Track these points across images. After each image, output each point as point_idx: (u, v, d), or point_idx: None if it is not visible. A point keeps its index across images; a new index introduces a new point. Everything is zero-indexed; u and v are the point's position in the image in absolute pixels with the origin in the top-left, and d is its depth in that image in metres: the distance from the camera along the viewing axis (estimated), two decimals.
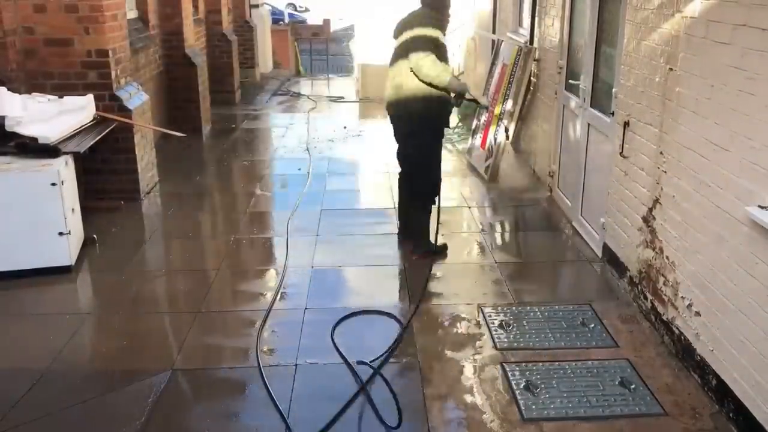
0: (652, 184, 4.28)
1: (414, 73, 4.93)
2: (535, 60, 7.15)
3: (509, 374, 3.77)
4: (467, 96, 5.22)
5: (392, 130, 5.38)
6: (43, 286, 4.86)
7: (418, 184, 5.33)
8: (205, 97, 9.78)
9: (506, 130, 7.38)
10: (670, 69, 4.02)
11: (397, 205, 5.83)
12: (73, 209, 5.18)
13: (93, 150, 5.74)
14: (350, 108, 11.89)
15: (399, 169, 5.52)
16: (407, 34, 5.06)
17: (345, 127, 10.16)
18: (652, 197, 4.28)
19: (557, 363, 3.88)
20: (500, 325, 4.28)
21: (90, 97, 6.05)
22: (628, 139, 4.64)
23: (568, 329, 4.24)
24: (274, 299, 4.66)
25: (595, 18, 5.48)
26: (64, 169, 5.06)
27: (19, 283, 4.84)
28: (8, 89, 5.52)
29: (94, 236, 5.57)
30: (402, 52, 5.06)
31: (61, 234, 4.93)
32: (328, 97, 12.83)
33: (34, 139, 5.17)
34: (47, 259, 4.94)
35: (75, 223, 5.22)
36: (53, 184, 4.86)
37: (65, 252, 4.98)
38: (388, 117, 5.37)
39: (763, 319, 3.10)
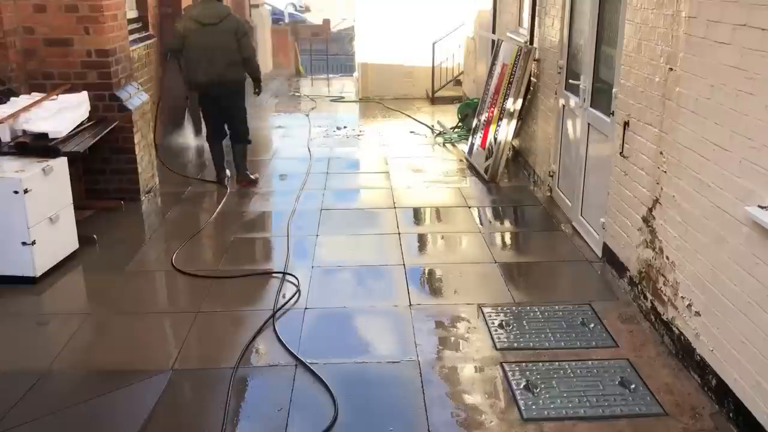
0: (652, 184, 4.28)
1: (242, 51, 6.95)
2: (535, 60, 7.15)
3: (509, 374, 3.77)
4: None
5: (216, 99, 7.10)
6: (44, 287, 4.86)
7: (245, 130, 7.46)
8: None
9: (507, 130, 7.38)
10: (670, 69, 4.02)
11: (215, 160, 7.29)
12: (51, 218, 4.95)
13: (93, 150, 5.74)
14: (351, 108, 11.89)
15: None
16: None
17: (345, 127, 10.17)
18: (652, 197, 4.28)
19: (557, 363, 3.88)
20: (500, 325, 4.28)
21: (84, 93, 6.05)
22: (628, 139, 4.64)
23: (568, 329, 4.24)
24: (276, 298, 4.67)
25: (595, 18, 5.48)
26: (38, 176, 4.81)
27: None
28: (8, 89, 5.53)
29: (94, 236, 5.57)
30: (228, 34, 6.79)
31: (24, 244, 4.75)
32: (328, 96, 12.83)
33: (45, 135, 5.23)
34: (9, 268, 4.78)
35: (50, 232, 4.95)
36: (15, 192, 4.65)
37: (29, 263, 4.78)
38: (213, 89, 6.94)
39: (763, 320, 3.10)
